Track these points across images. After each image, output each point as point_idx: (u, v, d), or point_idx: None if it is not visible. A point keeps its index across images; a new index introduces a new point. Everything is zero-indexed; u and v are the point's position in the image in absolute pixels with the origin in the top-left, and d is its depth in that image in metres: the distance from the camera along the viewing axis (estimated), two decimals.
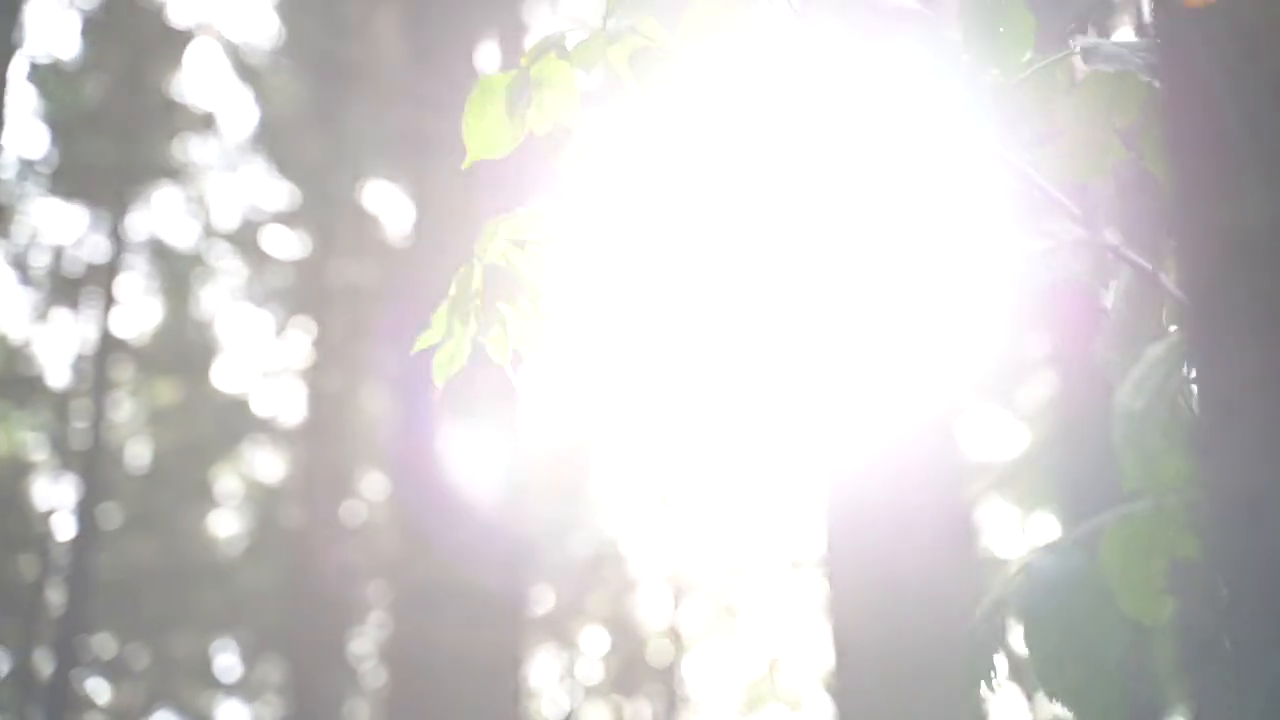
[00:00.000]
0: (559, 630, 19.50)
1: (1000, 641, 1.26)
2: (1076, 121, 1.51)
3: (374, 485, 18.88)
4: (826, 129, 1.43)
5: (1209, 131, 0.98)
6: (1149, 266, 1.35)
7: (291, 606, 16.67)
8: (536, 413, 19.75)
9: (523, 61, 1.54)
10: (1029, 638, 1.22)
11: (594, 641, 20.33)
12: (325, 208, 16.44)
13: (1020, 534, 18.18)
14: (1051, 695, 1.22)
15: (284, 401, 18.89)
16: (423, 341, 1.67)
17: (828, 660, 19.02)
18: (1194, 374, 0.99)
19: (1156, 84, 1.51)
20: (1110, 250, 1.34)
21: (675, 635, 19.61)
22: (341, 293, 16.97)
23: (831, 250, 1.52)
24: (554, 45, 1.51)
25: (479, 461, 8.56)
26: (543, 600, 18.43)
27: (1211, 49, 0.97)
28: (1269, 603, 0.92)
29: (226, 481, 19.17)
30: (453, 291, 1.64)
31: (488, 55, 10.63)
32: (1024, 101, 1.51)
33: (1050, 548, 1.26)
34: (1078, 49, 1.49)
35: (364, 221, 17.26)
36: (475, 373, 8.61)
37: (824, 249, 1.52)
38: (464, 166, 1.63)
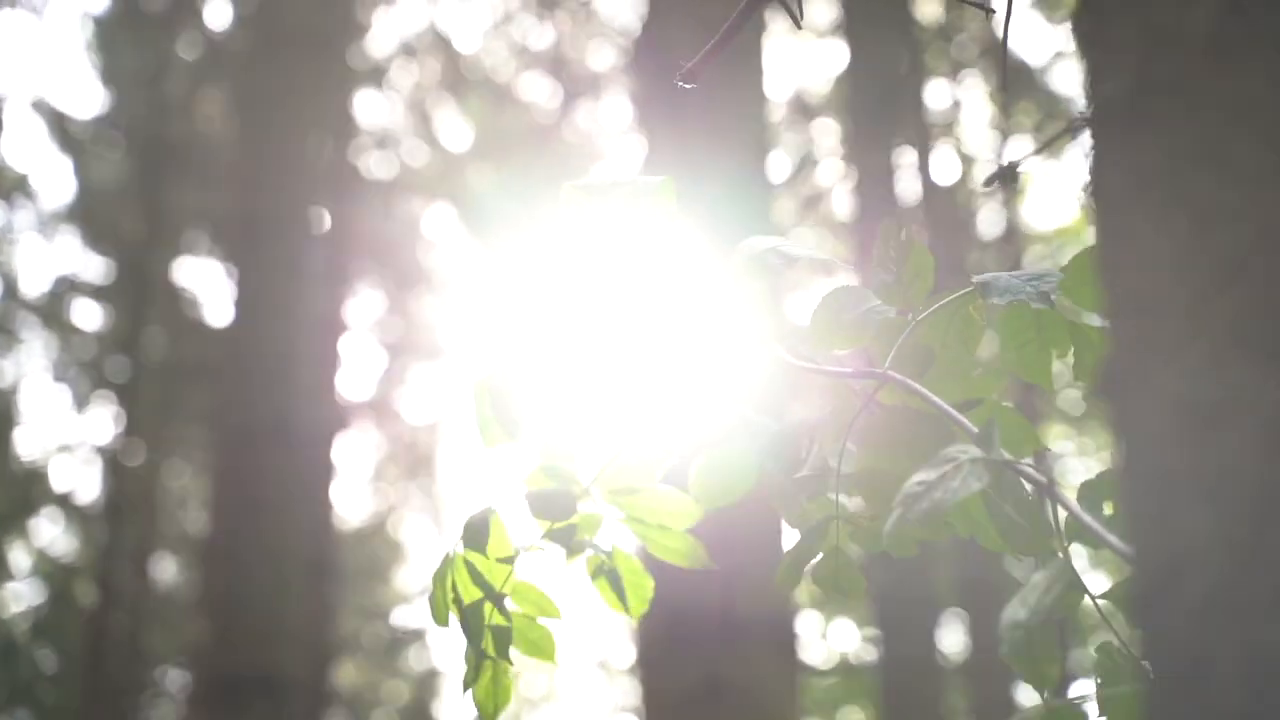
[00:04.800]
0: (358, 715, 19.22)
1: None
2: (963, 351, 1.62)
3: (173, 566, 18.49)
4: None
5: (1153, 300, 1.00)
6: (1045, 480, 1.44)
7: (81, 688, 16.21)
8: (345, 492, 19.54)
9: None
10: None
11: None
12: (138, 282, 16.15)
13: (821, 639, 18.38)
14: None
15: (84, 476, 18.48)
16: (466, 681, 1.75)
17: None
18: (1136, 542, 1.01)
19: (1044, 309, 1.60)
20: (1008, 467, 1.42)
21: None
22: (150, 369, 16.66)
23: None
24: None
25: (290, 544, 8.45)
26: (343, 684, 18.15)
27: (1156, 221, 1.00)
28: None
29: (19, 556, 18.67)
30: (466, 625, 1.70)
31: (316, 140, 10.56)
32: (920, 335, 1.61)
33: None
34: (974, 285, 1.59)
35: (178, 299, 17.00)
36: (294, 455, 8.40)
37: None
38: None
